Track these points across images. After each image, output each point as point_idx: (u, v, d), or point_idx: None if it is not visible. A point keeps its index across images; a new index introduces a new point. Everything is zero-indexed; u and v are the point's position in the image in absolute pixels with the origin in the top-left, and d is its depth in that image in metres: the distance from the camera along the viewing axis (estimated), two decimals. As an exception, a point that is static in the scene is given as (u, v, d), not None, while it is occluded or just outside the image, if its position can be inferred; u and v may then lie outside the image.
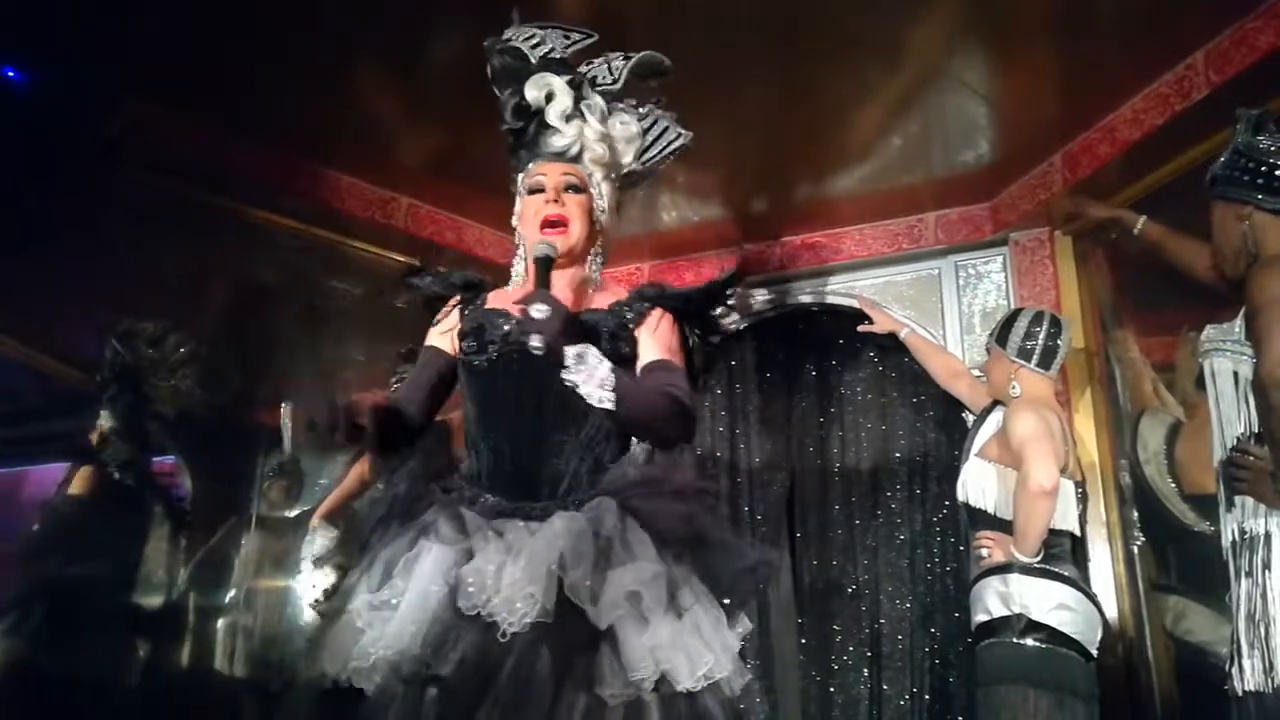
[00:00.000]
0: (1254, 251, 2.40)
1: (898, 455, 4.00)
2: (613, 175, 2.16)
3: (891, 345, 3.94)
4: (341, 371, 4.36)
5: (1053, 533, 2.90)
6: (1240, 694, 2.33)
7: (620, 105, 2.17)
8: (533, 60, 2.13)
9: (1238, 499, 2.39)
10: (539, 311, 1.81)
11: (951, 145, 3.60)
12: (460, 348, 2.06)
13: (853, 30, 2.95)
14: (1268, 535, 2.31)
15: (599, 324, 2.00)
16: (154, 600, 3.74)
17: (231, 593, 4.08)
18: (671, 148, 2.24)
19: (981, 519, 3.09)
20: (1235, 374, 2.43)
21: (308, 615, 3.73)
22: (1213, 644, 3.02)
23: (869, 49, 3.06)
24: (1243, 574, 2.36)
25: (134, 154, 3.33)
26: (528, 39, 2.16)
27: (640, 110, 2.20)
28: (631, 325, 2.04)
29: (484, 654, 1.63)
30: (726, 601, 1.83)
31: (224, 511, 4.10)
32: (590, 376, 1.84)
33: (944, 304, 4.06)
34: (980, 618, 2.98)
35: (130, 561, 3.72)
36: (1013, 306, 3.77)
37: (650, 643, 1.66)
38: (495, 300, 2.12)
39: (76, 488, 3.62)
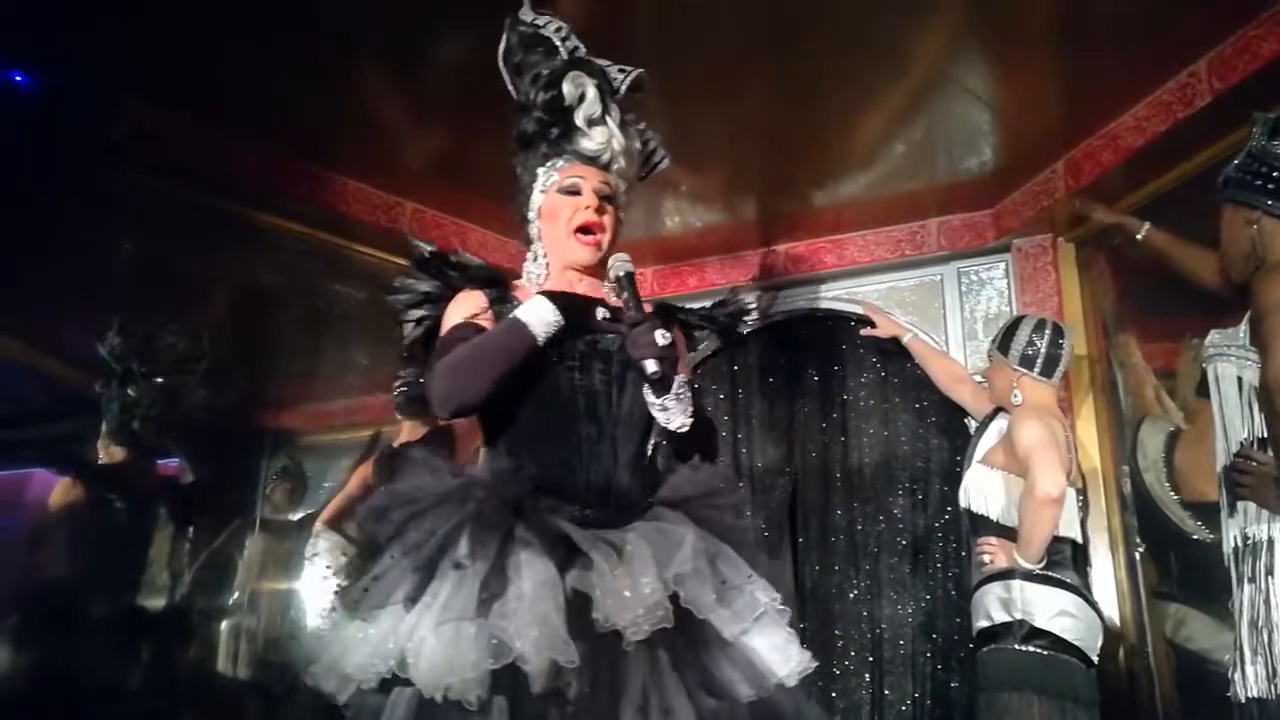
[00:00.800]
0: (1261, 256, 2.38)
1: (900, 461, 4.00)
2: (625, 188, 2.17)
3: (894, 350, 3.95)
4: (345, 375, 4.37)
5: (1055, 540, 2.90)
6: (1243, 700, 2.33)
7: (627, 118, 2.16)
8: (563, 52, 2.10)
9: (1240, 505, 2.39)
10: (663, 338, 1.85)
11: (954, 151, 3.60)
12: (553, 350, 1.99)
13: (856, 36, 2.95)
14: (1270, 541, 2.30)
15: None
16: (157, 603, 3.74)
17: (235, 595, 4.08)
18: (654, 170, 2.27)
19: (984, 525, 3.09)
20: (1239, 379, 2.42)
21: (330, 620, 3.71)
22: (1213, 651, 3.01)
23: (872, 55, 3.06)
24: (1245, 580, 2.35)
25: (138, 157, 3.33)
26: (554, 28, 2.12)
27: (639, 126, 2.21)
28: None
29: (610, 664, 1.62)
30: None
31: (229, 514, 4.11)
32: (687, 405, 1.93)
33: (946, 310, 4.07)
34: (982, 623, 2.99)
35: (129, 565, 3.72)
36: (1015, 313, 3.77)
37: (765, 643, 1.74)
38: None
39: (68, 494, 3.64)
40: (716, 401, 4.30)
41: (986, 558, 3.04)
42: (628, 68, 2.17)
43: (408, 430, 4.06)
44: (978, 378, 3.62)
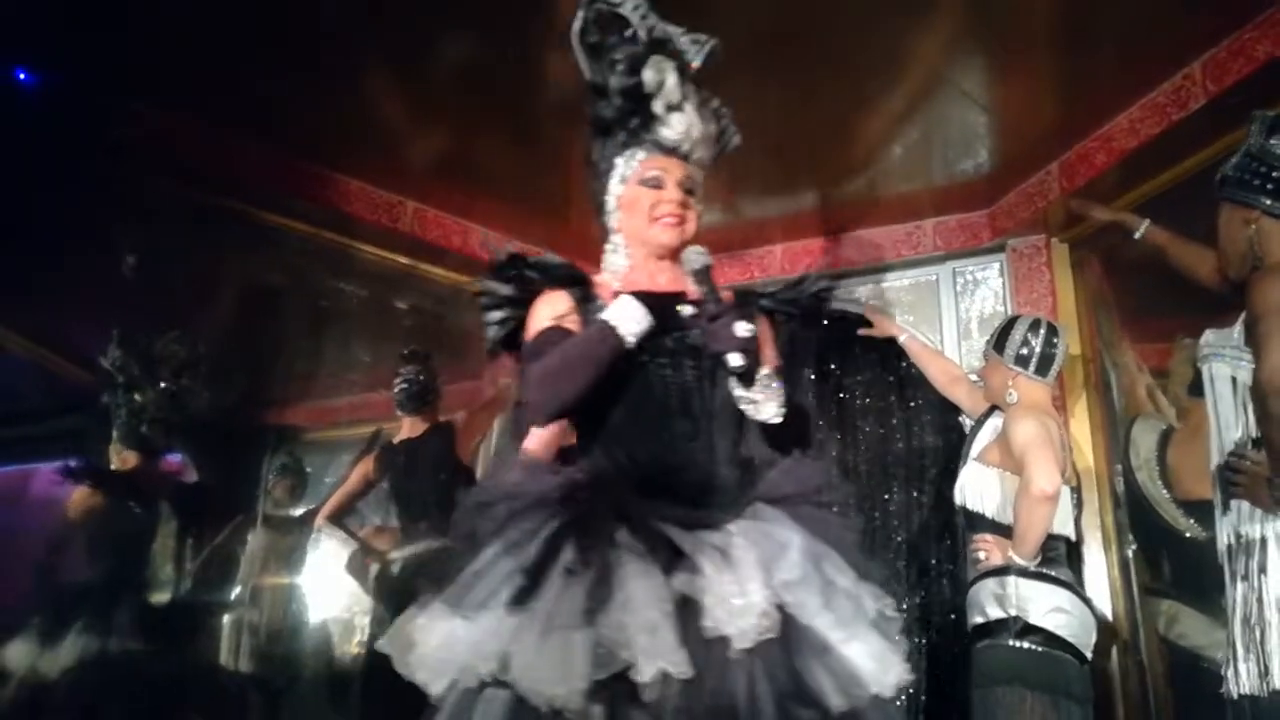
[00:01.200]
0: (1259, 256, 2.37)
1: (895, 458, 4.02)
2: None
3: (890, 350, 3.97)
4: (347, 372, 4.38)
5: (1050, 537, 2.91)
6: (1235, 698, 2.34)
7: (701, 96, 2.06)
8: (641, 32, 1.99)
9: (1234, 504, 2.39)
10: (746, 330, 1.78)
11: (950, 153, 3.62)
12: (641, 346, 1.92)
13: (853, 39, 2.96)
14: (1263, 540, 2.31)
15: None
16: (165, 597, 3.78)
17: (237, 590, 4.11)
18: (726, 149, 2.18)
19: (979, 523, 3.10)
20: (1234, 379, 2.41)
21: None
22: (1205, 648, 3.04)
23: (869, 58, 3.07)
24: (1238, 578, 2.36)
25: (141, 157, 3.34)
26: (632, 4, 2.01)
27: (713, 106, 2.11)
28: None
29: (715, 672, 1.57)
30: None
31: (231, 509, 4.13)
32: (773, 395, 1.86)
33: (942, 310, 4.09)
34: (977, 620, 3.00)
35: (149, 564, 3.78)
36: (1010, 313, 3.79)
37: (865, 651, 1.65)
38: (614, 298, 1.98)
39: (87, 501, 3.70)
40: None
41: (981, 555, 3.05)
42: (701, 37, 2.06)
43: (408, 426, 4.08)
44: (973, 377, 3.64)
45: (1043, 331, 3.16)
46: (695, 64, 2.02)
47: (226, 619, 4.04)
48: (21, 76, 3.13)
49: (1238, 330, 2.44)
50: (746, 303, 2.03)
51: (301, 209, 3.71)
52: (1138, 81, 3.17)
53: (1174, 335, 3.34)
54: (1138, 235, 2.97)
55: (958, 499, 3.19)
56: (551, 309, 1.95)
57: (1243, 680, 2.32)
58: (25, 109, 3.10)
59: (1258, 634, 2.29)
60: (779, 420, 1.86)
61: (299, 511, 4.37)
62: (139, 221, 3.48)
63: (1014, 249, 3.95)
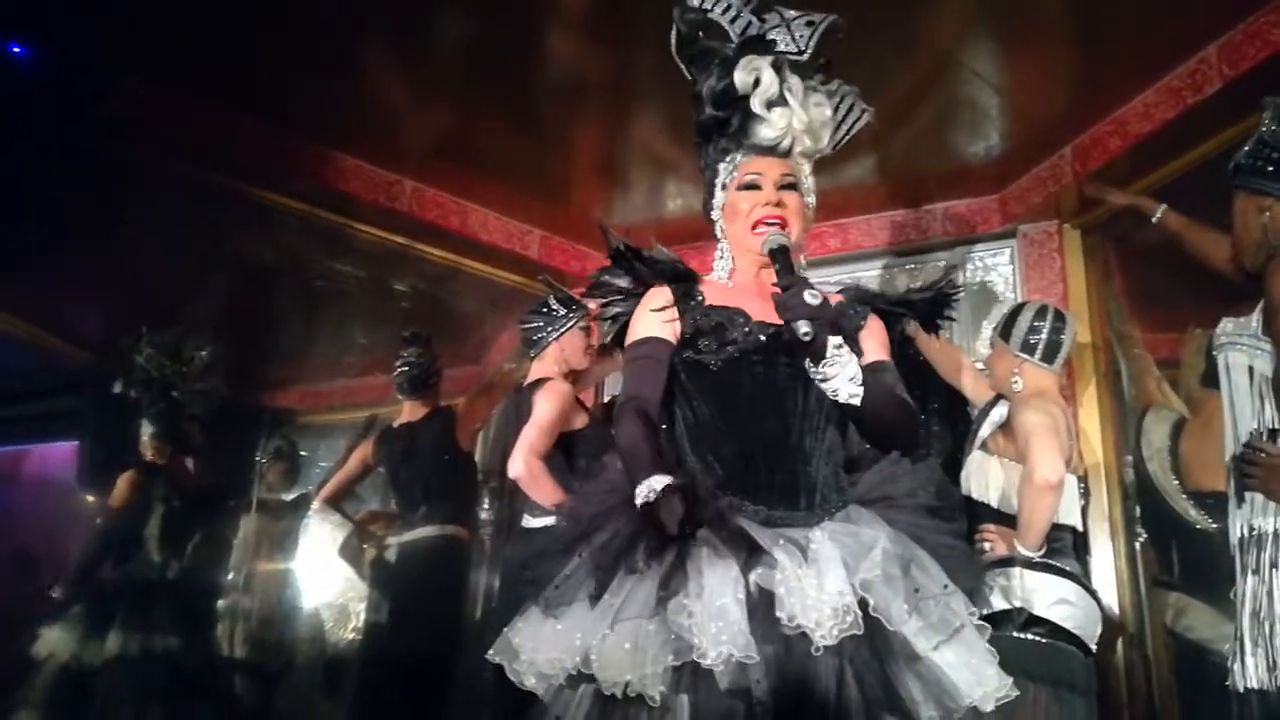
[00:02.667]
0: (1274, 244, 2.36)
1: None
2: (813, 164, 2.07)
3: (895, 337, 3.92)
4: (343, 355, 4.37)
5: (1055, 527, 2.89)
6: (1242, 690, 2.33)
7: (811, 84, 2.04)
8: (733, 36, 2.00)
9: (1248, 495, 2.38)
10: (813, 297, 1.73)
11: (961, 136, 3.58)
12: (697, 346, 1.92)
13: (865, 20, 2.92)
14: (1276, 533, 2.30)
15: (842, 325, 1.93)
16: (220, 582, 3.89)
17: (230, 574, 4.13)
18: (857, 127, 2.15)
19: (984, 513, 3.07)
20: (1250, 369, 2.40)
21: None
22: (1212, 641, 3.02)
23: (881, 39, 3.03)
24: (1249, 571, 2.35)
25: (138, 134, 3.32)
26: (722, 8, 2.02)
27: (830, 88, 2.09)
28: (855, 332, 1.97)
29: (798, 668, 1.56)
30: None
31: (226, 494, 4.16)
32: (844, 370, 1.78)
33: (950, 296, 4.04)
34: (981, 611, 2.98)
35: (180, 554, 3.88)
36: (1020, 299, 3.76)
37: (958, 661, 1.62)
38: (717, 296, 1.99)
39: (127, 493, 3.80)
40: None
41: (986, 545, 3.03)
42: (816, 17, 2.05)
43: (408, 410, 4.05)
44: (979, 365, 3.60)
45: (1050, 318, 3.14)
46: (803, 50, 2.01)
47: (220, 604, 4.06)
48: (16, 51, 3.09)
49: (1255, 319, 2.43)
50: (860, 299, 2.02)
51: (298, 187, 3.70)
52: (1152, 65, 3.14)
53: (1186, 325, 3.30)
54: (1155, 219, 2.95)
55: (962, 489, 3.16)
56: (656, 304, 1.98)
57: (1250, 674, 2.31)
58: (20, 84, 3.07)
59: (1267, 628, 2.29)
60: (856, 402, 1.79)
61: (292, 496, 4.36)
62: (134, 199, 3.45)
63: (1025, 234, 3.91)
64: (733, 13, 2.01)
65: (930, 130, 3.53)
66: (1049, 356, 3.11)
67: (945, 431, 3.91)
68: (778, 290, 1.79)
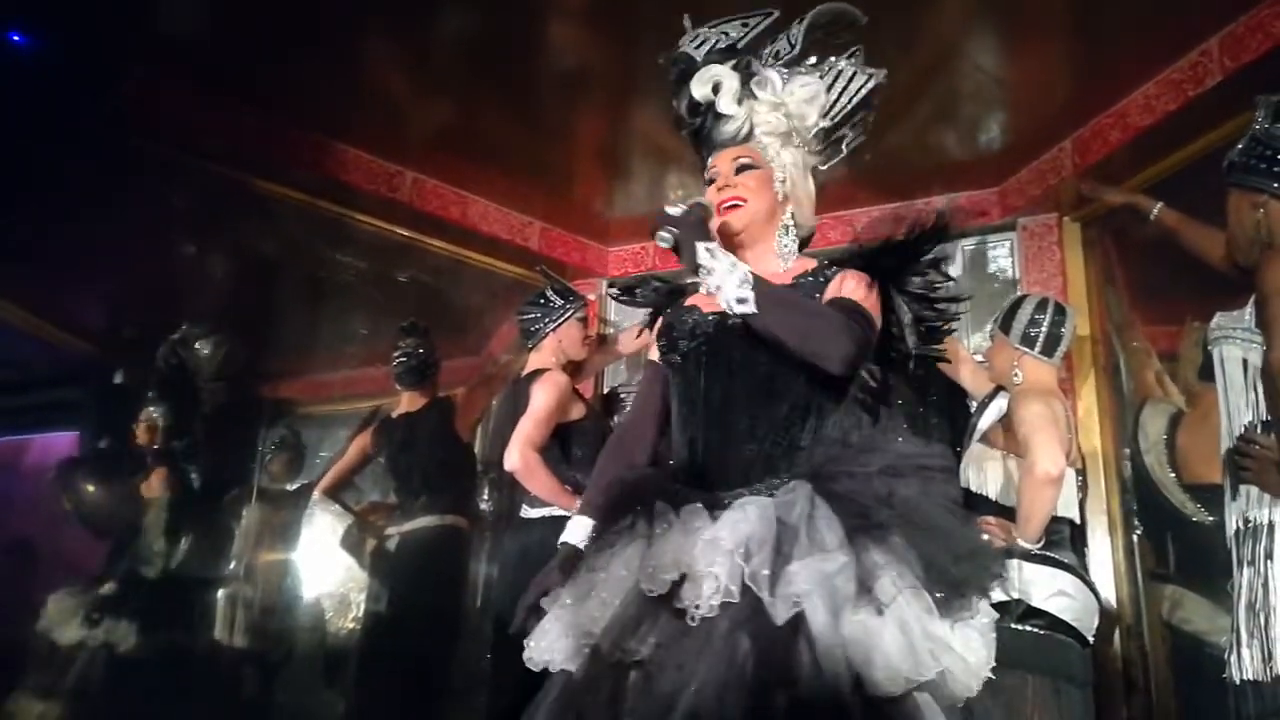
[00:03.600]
0: (1267, 240, 2.37)
1: (900, 439, 3.97)
2: (797, 141, 2.07)
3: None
4: (344, 346, 4.37)
5: (1053, 520, 2.89)
6: (1238, 682, 2.34)
7: (801, 70, 2.09)
8: (698, 59, 2.07)
9: (1243, 488, 2.38)
10: (674, 209, 1.83)
11: (961, 128, 3.57)
12: (658, 348, 2.05)
13: (865, 11, 2.92)
14: (1271, 525, 2.30)
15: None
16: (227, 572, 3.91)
17: (231, 564, 4.14)
18: (862, 91, 2.15)
19: (983, 505, 3.08)
20: (1244, 362, 2.41)
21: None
22: (1209, 633, 3.02)
23: (881, 30, 3.01)
24: (1245, 563, 2.35)
25: (139, 124, 3.32)
26: (694, 42, 2.11)
27: (821, 67, 2.12)
28: (818, 295, 1.92)
29: (677, 638, 1.59)
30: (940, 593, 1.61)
31: (233, 486, 4.17)
32: (726, 276, 1.75)
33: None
34: (987, 590, 2.98)
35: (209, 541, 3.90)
36: (1020, 292, 3.76)
37: (839, 640, 1.52)
38: (702, 299, 2.01)
39: (157, 488, 3.81)
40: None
41: (984, 537, 3.03)
42: (753, 18, 2.13)
43: (407, 400, 4.05)
44: (978, 357, 3.60)
45: (1050, 311, 3.14)
46: (794, 50, 2.09)
47: (221, 594, 4.07)
48: (16, 39, 3.09)
49: (1248, 313, 2.43)
50: (832, 261, 2.01)
51: (299, 177, 3.69)
52: (1153, 57, 3.12)
53: (1185, 318, 3.30)
54: (1151, 216, 2.95)
55: (960, 481, 3.17)
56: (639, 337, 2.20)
57: (1246, 666, 2.32)
58: (21, 73, 3.06)
59: (1262, 619, 2.29)
60: (746, 309, 1.74)
61: (294, 486, 4.37)
62: (134, 190, 3.45)
63: (1025, 227, 3.90)
64: (698, 40, 2.10)
65: (930, 122, 3.51)
66: (1049, 349, 3.12)
67: (944, 424, 3.91)
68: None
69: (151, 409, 3.92)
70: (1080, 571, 2.94)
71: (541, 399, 3.13)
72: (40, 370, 4.18)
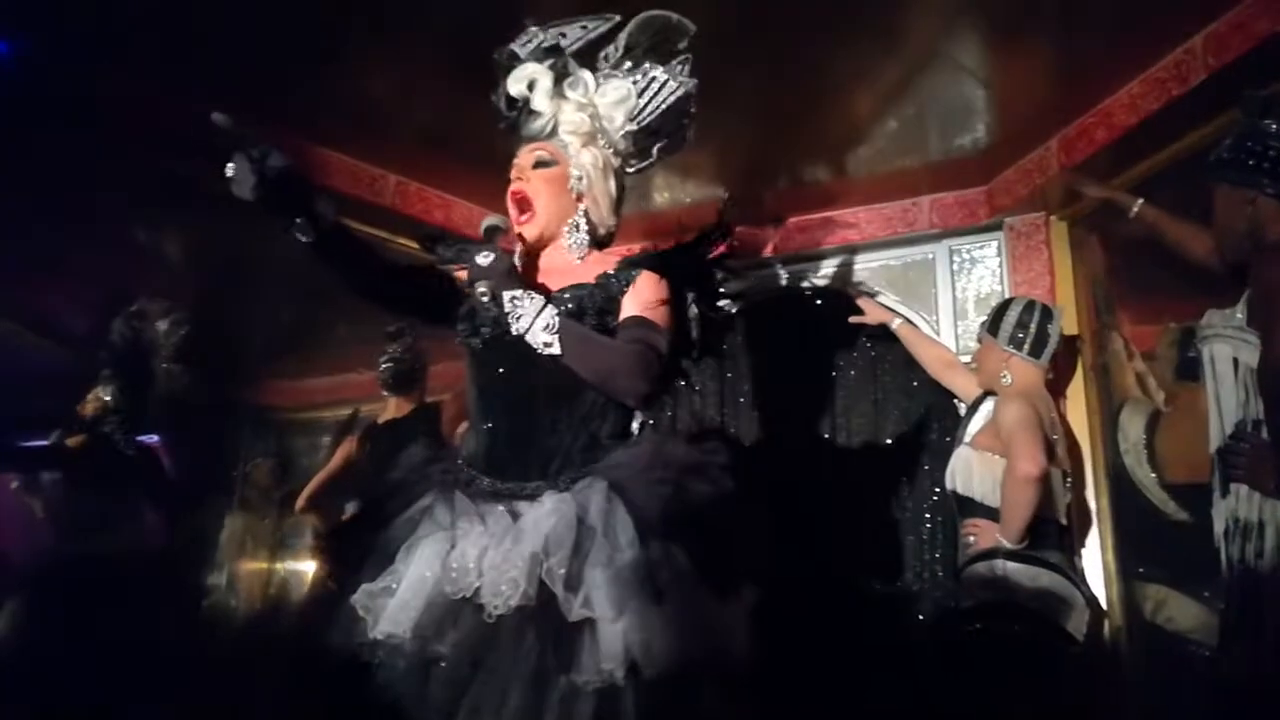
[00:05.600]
0: (1259, 237, 2.37)
1: (889, 441, 3.97)
2: (602, 142, 2.13)
3: (884, 333, 3.91)
4: (327, 351, 4.33)
5: (1039, 520, 2.91)
6: (1225, 682, 2.35)
7: (617, 73, 2.15)
8: (522, 57, 2.13)
9: (1233, 487, 2.38)
10: (484, 258, 1.88)
11: (947, 129, 3.56)
12: (457, 330, 2.07)
13: (849, 12, 2.91)
14: (1260, 524, 2.30)
15: (584, 299, 1.98)
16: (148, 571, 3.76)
17: (215, 570, 4.08)
18: (672, 98, 2.19)
19: (970, 507, 3.09)
20: (1235, 360, 2.40)
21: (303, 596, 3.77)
22: (1194, 632, 3.05)
23: (865, 30, 3.02)
24: (1234, 562, 2.35)
25: (115, 125, 3.28)
26: (524, 41, 2.16)
27: (636, 72, 2.17)
28: (619, 296, 2.00)
29: (476, 635, 1.67)
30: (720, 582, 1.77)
31: (207, 489, 4.10)
32: (533, 320, 1.86)
33: (938, 288, 4.04)
34: (968, 603, 3.00)
35: (126, 532, 3.74)
36: (1007, 292, 3.78)
37: (621, 629, 1.63)
38: None
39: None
40: (705, 381, 4.26)
41: (971, 538, 3.05)
42: (593, 21, 2.18)
43: (393, 407, 4.02)
44: (966, 358, 3.60)
45: (1037, 313, 3.18)
46: (617, 52, 2.16)
47: (204, 602, 4.02)
48: (-5, 45, 3.05)
49: (1239, 310, 2.43)
50: (629, 264, 2.05)
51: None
52: (1137, 56, 3.13)
53: (1172, 317, 3.31)
54: (1131, 214, 2.95)
55: (949, 483, 3.19)
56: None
57: (1232, 665, 2.33)
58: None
59: (1250, 619, 2.29)
60: (552, 351, 1.86)
61: (279, 493, 4.33)
62: (116, 192, 3.41)
63: (1012, 227, 3.91)
64: (525, 39, 2.16)
65: (916, 123, 3.51)
66: (1036, 351, 3.14)
67: (934, 425, 3.90)
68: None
69: (100, 387, 3.72)
70: (1066, 571, 2.95)
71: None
72: (19, 379, 4.13)
